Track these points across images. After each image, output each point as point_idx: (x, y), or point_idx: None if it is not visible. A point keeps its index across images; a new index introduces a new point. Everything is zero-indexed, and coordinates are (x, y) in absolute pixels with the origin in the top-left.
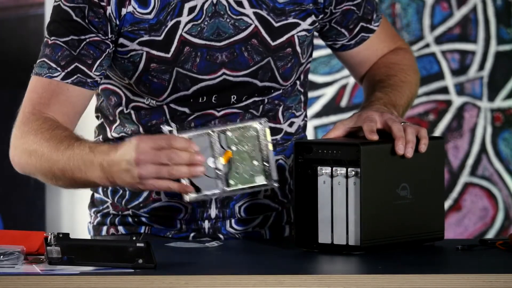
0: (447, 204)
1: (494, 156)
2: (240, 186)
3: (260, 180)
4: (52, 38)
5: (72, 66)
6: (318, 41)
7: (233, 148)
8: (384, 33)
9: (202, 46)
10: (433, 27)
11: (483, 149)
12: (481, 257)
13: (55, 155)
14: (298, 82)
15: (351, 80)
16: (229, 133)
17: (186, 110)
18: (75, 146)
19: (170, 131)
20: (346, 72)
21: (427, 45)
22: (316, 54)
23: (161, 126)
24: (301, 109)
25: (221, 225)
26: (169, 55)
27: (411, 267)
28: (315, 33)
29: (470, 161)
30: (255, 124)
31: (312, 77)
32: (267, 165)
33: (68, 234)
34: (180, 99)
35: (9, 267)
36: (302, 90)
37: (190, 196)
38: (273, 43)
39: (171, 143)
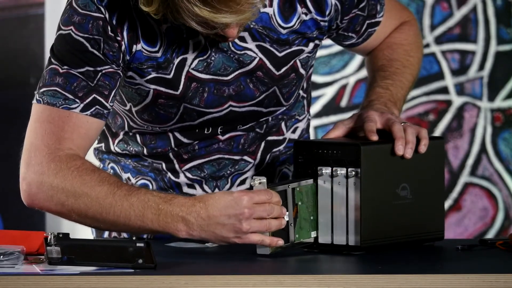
0: (447, 204)
1: (494, 156)
2: (302, 240)
3: (314, 234)
4: (65, 67)
5: (91, 98)
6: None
7: (299, 203)
8: (389, 16)
9: (209, 81)
10: (433, 27)
11: (483, 149)
12: (481, 257)
13: (112, 200)
14: (301, 91)
15: (351, 80)
16: (297, 189)
17: (192, 141)
18: (140, 193)
19: (260, 183)
20: (346, 72)
21: (427, 45)
22: (316, 54)
23: (252, 178)
24: (305, 111)
25: None
26: (177, 92)
27: (411, 267)
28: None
29: (470, 161)
30: (313, 181)
31: (312, 77)
32: (317, 219)
33: (68, 234)
34: (185, 128)
35: (9, 267)
36: (305, 95)
37: (272, 249)
38: (277, 73)
39: (270, 198)
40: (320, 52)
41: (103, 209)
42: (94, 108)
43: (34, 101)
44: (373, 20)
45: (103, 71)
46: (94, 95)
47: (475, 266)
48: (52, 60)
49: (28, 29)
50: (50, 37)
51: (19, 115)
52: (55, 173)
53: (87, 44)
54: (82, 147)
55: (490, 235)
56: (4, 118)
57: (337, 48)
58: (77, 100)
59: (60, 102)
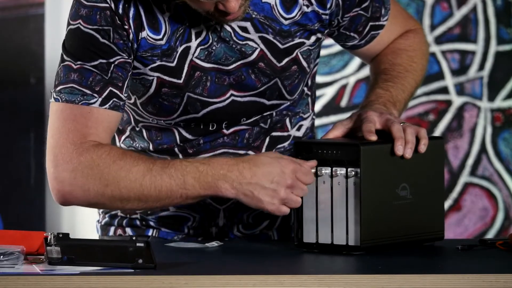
0: (447, 204)
1: (494, 156)
2: None
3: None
4: (78, 62)
5: (107, 91)
6: None
7: None
8: (394, 22)
9: (211, 69)
10: (433, 27)
11: (483, 149)
12: (481, 257)
13: (150, 177)
14: (305, 88)
15: (351, 80)
16: None
17: (197, 137)
18: (176, 162)
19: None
20: (346, 72)
21: None
22: None
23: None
24: (309, 110)
25: (228, 230)
26: (180, 81)
27: (411, 267)
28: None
29: (470, 161)
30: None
31: None
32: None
33: (68, 234)
34: (189, 123)
35: (9, 267)
36: (309, 93)
37: None
38: (279, 65)
39: (310, 183)
40: (320, 52)
41: (144, 188)
42: (111, 101)
43: (52, 100)
44: (376, 23)
45: (116, 62)
46: (110, 88)
47: (475, 266)
48: (65, 56)
49: (28, 29)
50: (50, 37)
51: (19, 115)
52: (87, 165)
53: (97, 36)
54: (106, 140)
55: (490, 235)
56: (4, 118)
57: (337, 48)
58: (95, 95)
59: (78, 98)
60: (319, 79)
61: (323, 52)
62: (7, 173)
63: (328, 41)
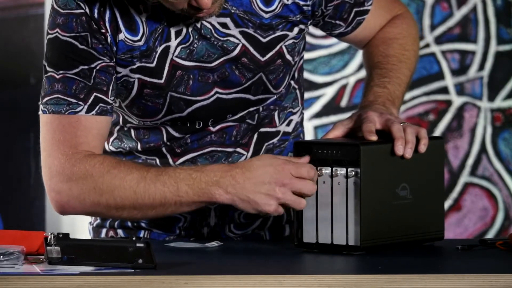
0: (447, 204)
1: (494, 156)
2: None
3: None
4: (60, 72)
5: (92, 97)
6: (317, 41)
7: None
8: (379, 7)
9: (193, 68)
10: (433, 27)
11: (483, 149)
12: (481, 257)
13: (144, 185)
14: (292, 81)
15: (351, 80)
16: None
17: (184, 135)
18: (170, 170)
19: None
20: (346, 72)
21: (427, 45)
22: (316, 54)
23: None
24: (298, 104)
25: (219, 230)
26: (162, 81)
27: (411, 267)
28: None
29: (470, 161)
30: None
31: (312, 77)
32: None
33: (68, 234)
34: (176, 122)
35: (9, 267)
36: (297, 86)
37: None
38: (263, 59)
39: (312, 176)
40: (320, 52)
41: (138, 196)
42: (98, 107)
43: (40, 112)
44: (361, 8)
45: (97, 67)
46: (94, 93)
47: (475, 266)
48: (47, 67)
49: (28, 29)
50: None
51: (19, 115)
52: (81, 176)
53: (76, 43)
54: (98, 147)
55: (490, 235)
56: (4, 118)
57: (337, 48)
58: (80, 103)
59: (65, 108)
60: (319, 79)
61: (323, 52)
62: (7, 173)
63: (328, 41)
